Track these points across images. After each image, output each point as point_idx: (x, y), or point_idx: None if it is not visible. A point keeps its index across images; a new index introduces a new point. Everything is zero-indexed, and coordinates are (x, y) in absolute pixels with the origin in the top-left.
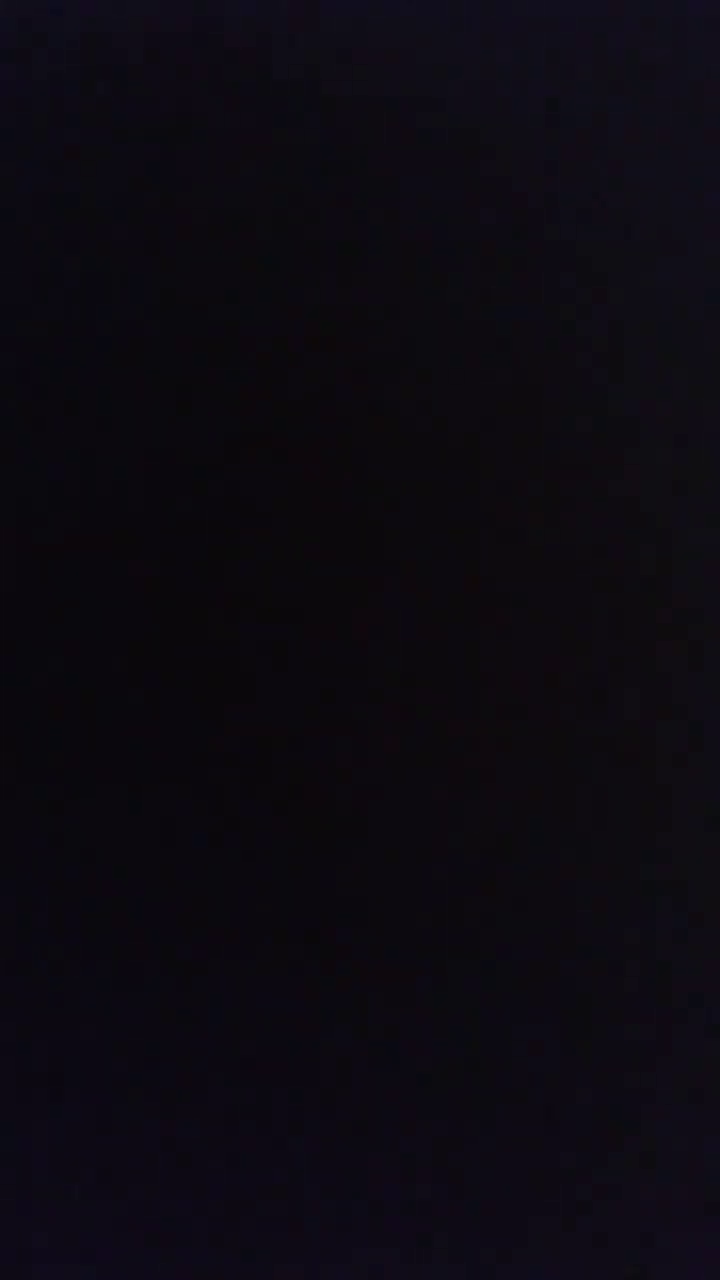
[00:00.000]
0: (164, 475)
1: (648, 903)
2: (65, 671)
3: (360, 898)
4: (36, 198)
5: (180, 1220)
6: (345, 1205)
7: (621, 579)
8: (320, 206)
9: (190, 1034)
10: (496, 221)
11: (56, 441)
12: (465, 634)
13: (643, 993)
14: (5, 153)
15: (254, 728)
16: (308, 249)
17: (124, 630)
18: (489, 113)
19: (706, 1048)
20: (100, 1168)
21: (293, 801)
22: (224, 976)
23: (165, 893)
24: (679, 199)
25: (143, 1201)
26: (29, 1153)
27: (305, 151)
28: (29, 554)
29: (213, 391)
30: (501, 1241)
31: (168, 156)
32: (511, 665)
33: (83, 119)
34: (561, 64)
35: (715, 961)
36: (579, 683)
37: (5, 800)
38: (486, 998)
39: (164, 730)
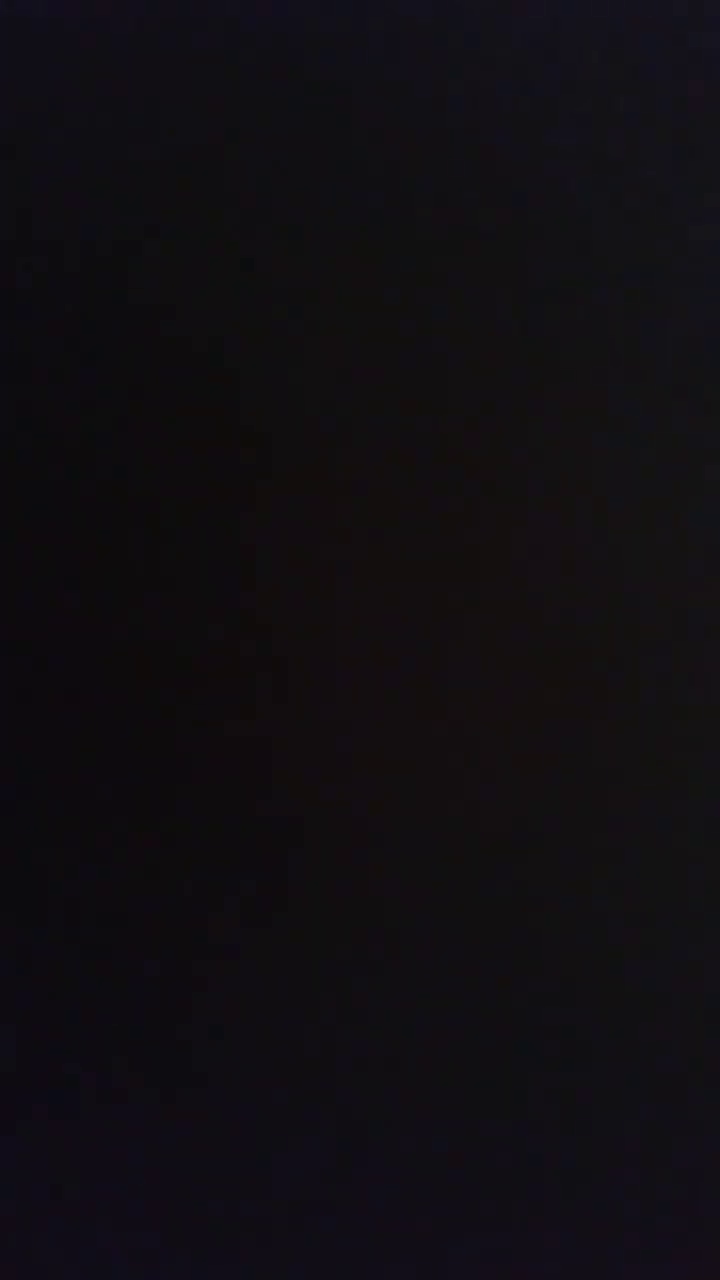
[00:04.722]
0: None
1: (648, 909)
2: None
3: (360, 904)
4: (32, 196)
5: (180, 1223)
6: (345, 1212)
7: (621, 580)
8: (319, 202)
9: (189, 1038)
10: (496, 220)
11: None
12: (463, 636)
13: (645, 1002)
14: (4, 150)
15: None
16: (307, 242)
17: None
18: (489, 108)
19: (708, 1052)
20: (99, 1174)
21: (287, 802)
22: (222, 981)
23: (159, 897)
24: (679, 198)
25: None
26: (28, 1157)
27: (302, 144)
28: None
29: (209, 389)
30: (501, 1247)
31: (165, 151)
32: (510, 670)
33: (81, 114)
34: (561, 59)
35: (716, 966)
36: (578, 688)
37: None
38: (487, 1010)
39: (157, 734)
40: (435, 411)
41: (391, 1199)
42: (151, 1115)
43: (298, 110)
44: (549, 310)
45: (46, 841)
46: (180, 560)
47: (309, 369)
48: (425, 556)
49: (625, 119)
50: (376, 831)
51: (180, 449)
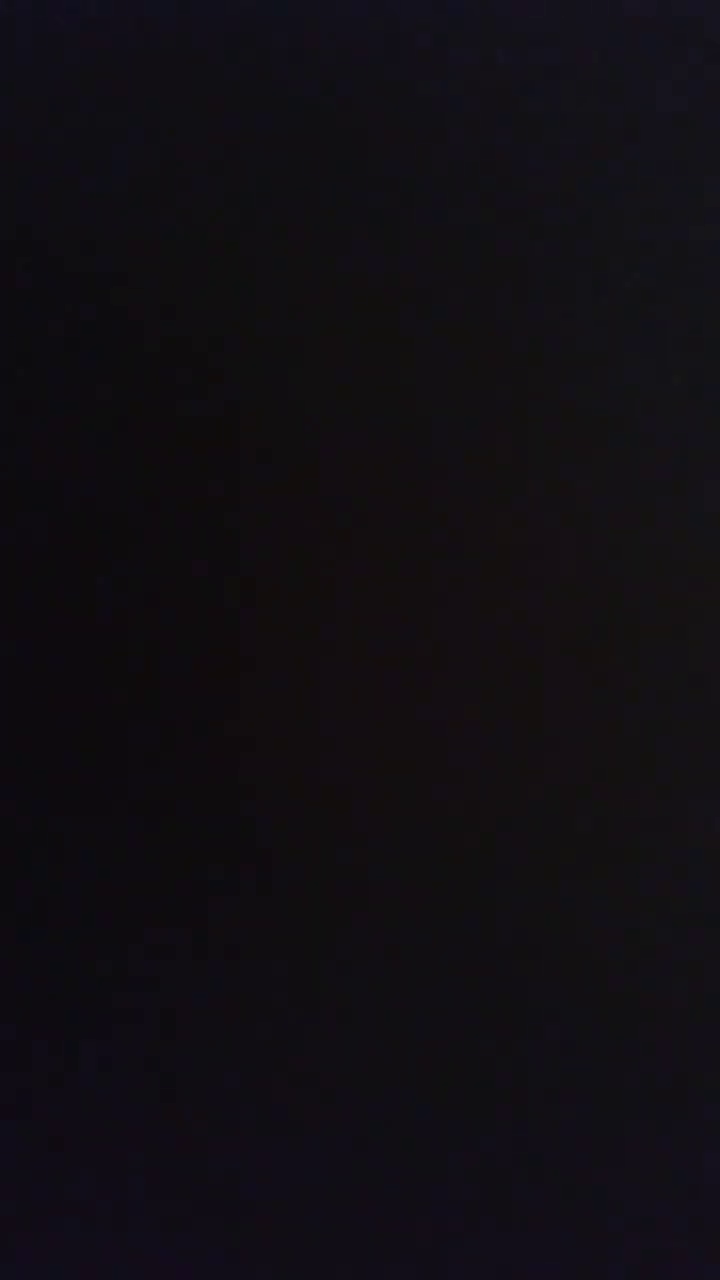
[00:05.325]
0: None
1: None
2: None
3: (358, 903)
4: (33, 192)
5: (176, 1221)
6: (343, 1212)
7: (620, 581)
8: (319, 205)
9: (185, 1037)
10: (496, 220)
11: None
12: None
13: (643, 1004)
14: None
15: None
16: (306, 245)
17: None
18: (490, 111)
19: (706, 1054)
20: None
21: (283, 796)
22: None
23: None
24: (680, 203)
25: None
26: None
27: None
28: None
29: (209, 392)
30: (500, 1248)
31: (166, 153)
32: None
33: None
34: (561, 58)
35: (715, 969)
36: (576, 695)
37: None
38: (482, 1011)
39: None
40: (433, 413)
41: (389, 1199)
42: (151, 1115)
43: (297, 110)
44: (548, 311)
45: (42, 839)
46: (177, 559)
47: (307, 367)
48: (423, 557)
49: (625, 117)
50: (374, 831)
51: (178, 447)
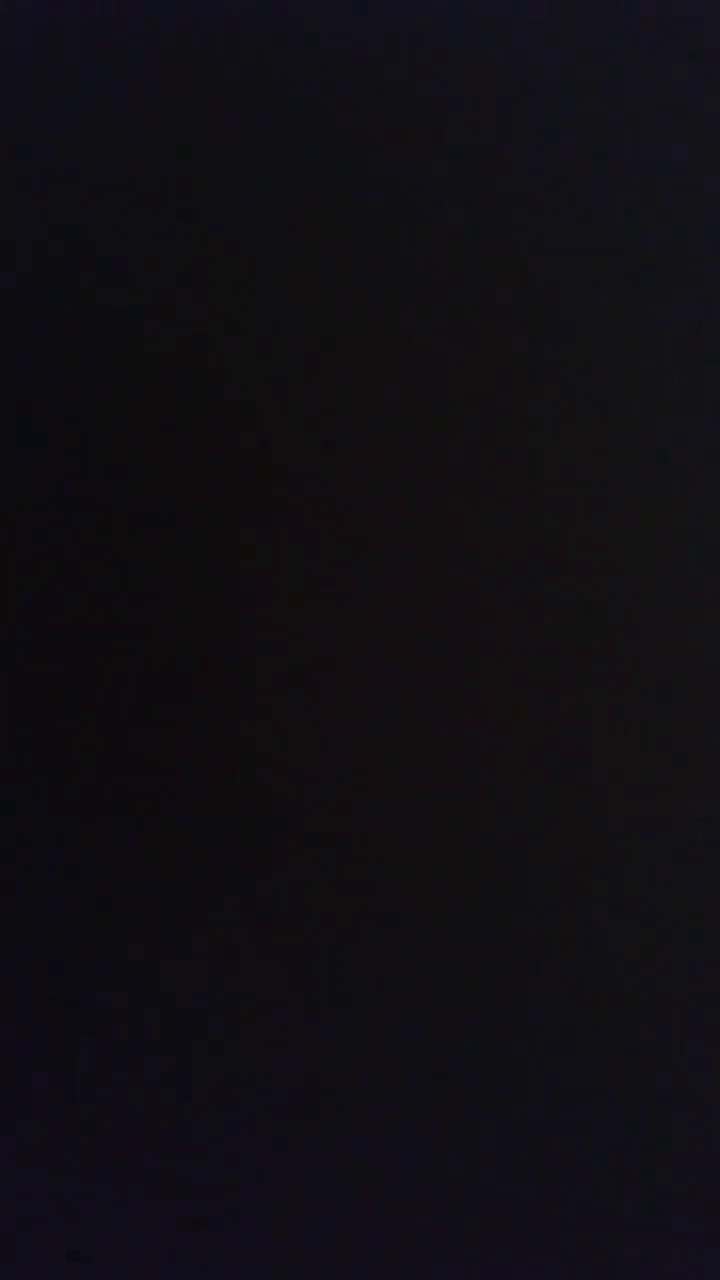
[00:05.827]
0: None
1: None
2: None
3: (357, 905)
4: (34, 191)
5: (176, 1221)
6: (342, 1213)
7: (621, 583)
8: (320, 205)
9: (185, 1040)
10: (495, 219)
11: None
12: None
13: (643, 1002)
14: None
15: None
16: (307, 245)
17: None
18: (492, 112)
19: (708, 1055)
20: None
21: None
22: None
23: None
24: (681, 206)
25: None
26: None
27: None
28: None
29: (209, 391)
30: (499, 1248)
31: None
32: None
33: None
34: (562, 56)
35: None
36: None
37: None
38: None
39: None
40: (434, 414)
41: (389, 1199)
42: (152, 1116)
43: (296, 108)
44: (548, 310)
45: (42, 839)
46: (178, 559)
47: (306, 366)
48: (423, 557)
49: (625, 116)
50: (375, 830)
51: (178, 449)
